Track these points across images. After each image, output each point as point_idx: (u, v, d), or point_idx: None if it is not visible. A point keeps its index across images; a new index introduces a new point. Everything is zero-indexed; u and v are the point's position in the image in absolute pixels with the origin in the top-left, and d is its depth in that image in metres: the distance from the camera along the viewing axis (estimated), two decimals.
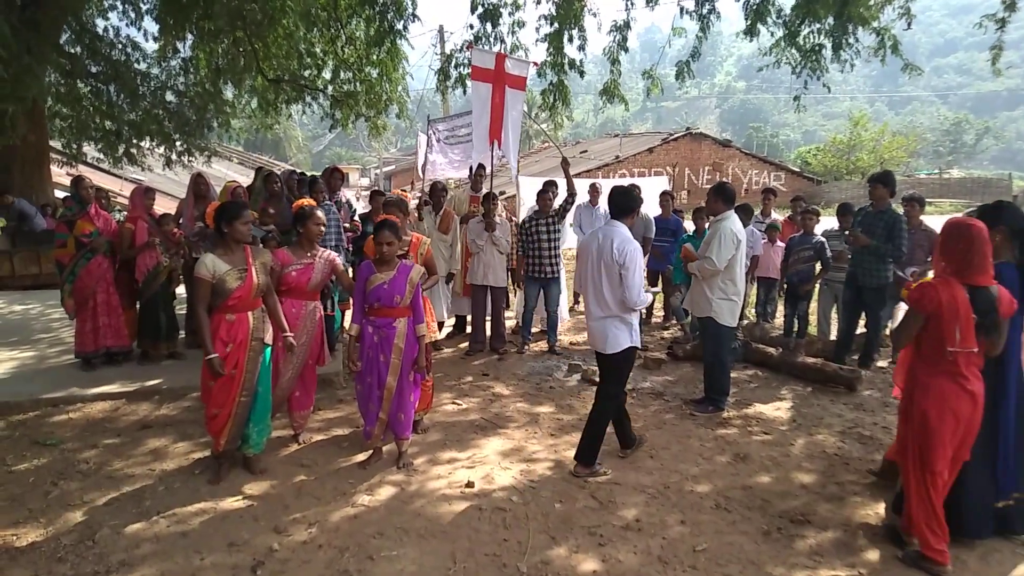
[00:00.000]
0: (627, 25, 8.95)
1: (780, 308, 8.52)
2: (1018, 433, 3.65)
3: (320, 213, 4.84)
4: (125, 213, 7.62)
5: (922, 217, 7.19)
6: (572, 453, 4.89)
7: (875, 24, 6.84)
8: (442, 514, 3.99)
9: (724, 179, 30.42)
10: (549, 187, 7.80)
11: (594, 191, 9.38)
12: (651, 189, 9.75)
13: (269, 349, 4.50)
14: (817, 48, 7.08)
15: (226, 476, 4.45)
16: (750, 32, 7.44)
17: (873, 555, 3.59)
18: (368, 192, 8.08)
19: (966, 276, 3.34)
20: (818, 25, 6.65)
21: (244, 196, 6.85)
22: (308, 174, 7.79)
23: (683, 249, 5.56)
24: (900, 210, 6.85)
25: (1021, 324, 3.59)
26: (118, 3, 12.60)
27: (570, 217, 8.82)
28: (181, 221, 7.18)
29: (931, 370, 3.41)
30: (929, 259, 6.78)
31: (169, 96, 13.63)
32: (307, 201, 5.01)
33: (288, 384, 4.88)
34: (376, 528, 3.82)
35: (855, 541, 3.72)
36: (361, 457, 4.79)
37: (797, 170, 34.34)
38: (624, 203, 4.58)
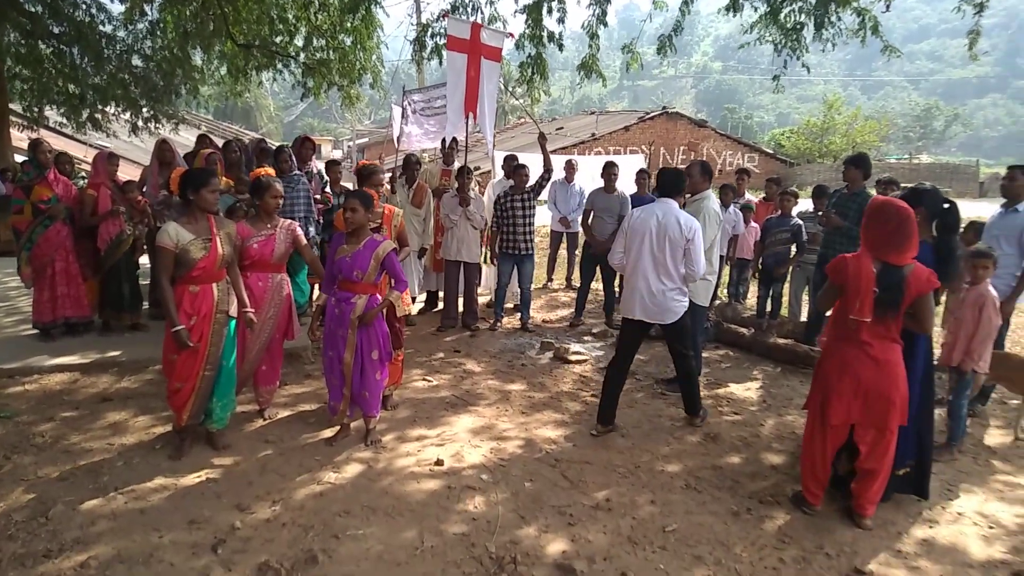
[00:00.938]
0: None
1: (752, 289, 8.56)
2: (920, 406, 3.86)
3: (278, 185, 4.69)
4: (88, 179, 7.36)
5: None
6: (542, 431, 4.87)
7: (856, 4, 6.78)
8: (410, 492, 3.92)
9: (700, 158, 30.59)
10: (514, 162, 7.74)
11: (570, 168, 9.28)
12: (627, 167, 9.65)
13: (234, 322, 4.37)
14: (798, 27, 7.01)
15: (188, 452, 4.33)
16: (732, 8, 7.34)
17: (842, 535, 3.60)
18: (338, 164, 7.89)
19: (882, 253, 3.47)
20: (800, 3, 6.57)
21: (219, 163, 6.65)
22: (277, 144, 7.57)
23: None
24: (874, 192, 6.86)
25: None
26: None
27: (545, 194, 8.73)
28: (145, 189, 6.96)
29: (839, 334, 3.64)
30: None
31: (136, 60, 13.19)
32: (266, 171, 4.85)
33: (254, 358, 4.76)
34: (342, 506, 3.74)
35: (823, 522, 3.72)
36: (328, 433, 4.69)
37: (771, 152, 34.53)
38: (677, 182, 4.88)
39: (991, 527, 3.75)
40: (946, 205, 4.00)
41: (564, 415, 5.22)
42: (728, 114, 75.73)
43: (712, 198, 5.47)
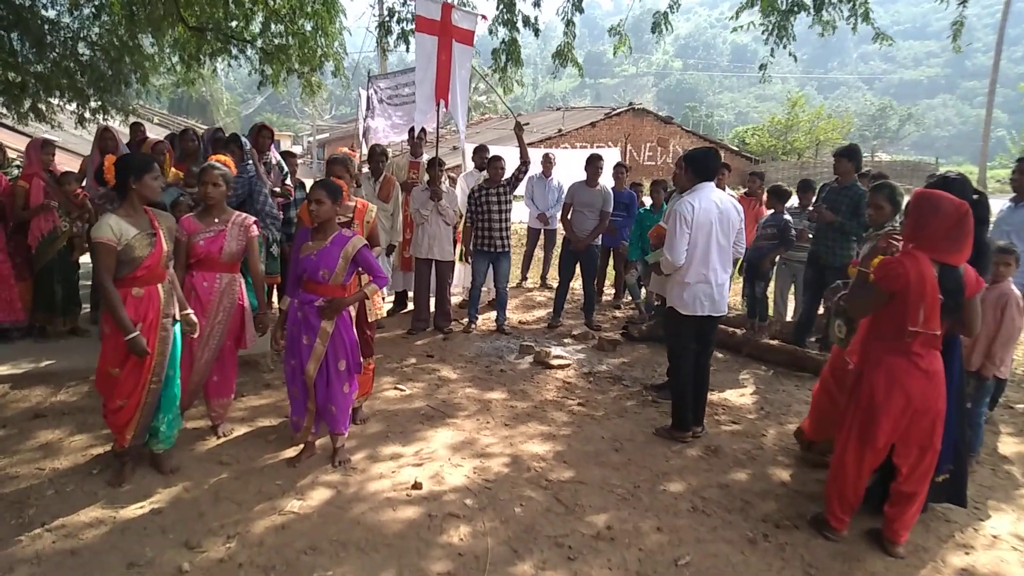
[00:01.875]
0: None
1: (735, 287, 8.25)
2: (956, 408, 3.53)
3: (216, 171, 4.14)
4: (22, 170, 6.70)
5: None
6: (528, 445, 4.44)
7: None
8: (385, 522, 3.45)
9: (666, 156, 30.42)
10: (484, 153, 7.30)
11: (547, 162, 8.85)
12: (606, 161, 9.26)
13: (179, 326, 3.85)
14: (795, 8, 6.69)
15: (130, 477, 3.80)
16: None
17: (872, 565, 3.24)
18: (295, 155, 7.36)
19: (940, 253, 3.10)
20: None
21: (167, 153, 6.08)
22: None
23: (655, 229, 5.05)
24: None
25: None
26: None
27: (521, 189, 8.30)
28: (85, 181, 6.34)
29: (886, 347, 3.23)
30: None
31: (82, 47, 12.39)
32: (220, 158, 4.31)
33: (203, 368, 4.23)
34: (308, 541, 3.26)
35: (850, 549, 3.36)
36: (290, 453, 4.19)
37: (736, 149, 34.58)
38: (713, 163, 4.58)
39: None
40: (975, 196, 3.67)
41: (550, 427, 4.79)
42: (689, 112, 76.11)
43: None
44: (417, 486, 3.81)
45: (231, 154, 5.97)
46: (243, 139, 6.11)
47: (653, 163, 29.51)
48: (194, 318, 3.91)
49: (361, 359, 4.14)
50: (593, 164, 7.28)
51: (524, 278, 9.66)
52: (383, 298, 5.87)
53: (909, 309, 3.09)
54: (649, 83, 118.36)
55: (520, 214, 9.50)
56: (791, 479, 4.11)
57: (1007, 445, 4.73)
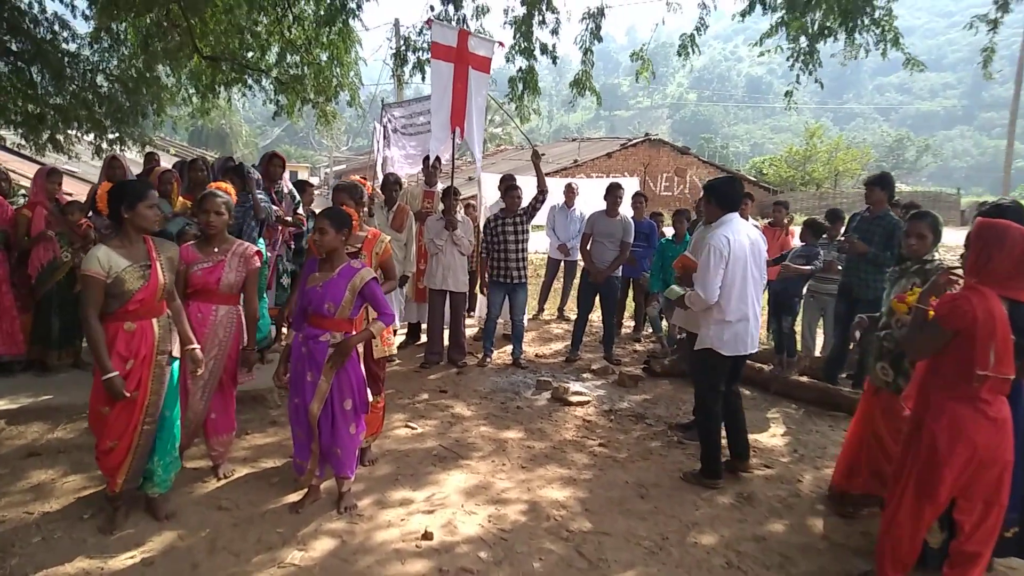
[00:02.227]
0: (600, 13, 8.25)
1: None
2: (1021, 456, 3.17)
3: (219, 198, 3.94)
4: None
5: None
6: (547, 491, 4.15)
7: (880, 9, 6.27)
8: None
9: (683, 186, 30.26)
10: (511, 182, 7.07)
11: (570, 191, 8.62)
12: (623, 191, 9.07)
13: (177, 364, 3.63)
14: (825, 31, 6.48)
15: (122, 524, 3.55)
16: (748, 11, 6.78)
17: None
18: (314, 185, 7.21)
19: (1010, 288, 2.83)
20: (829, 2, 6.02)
21: (175, 182, 5.93)
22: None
23: (680, 259, 4.76)
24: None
25: None
26: None
27: (541, 218, 8.10)
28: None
29: (948, 393, 2.93)
30: None
31: (100, 79, 12.47)
32: (220, 185, 4.11)
33: (201, 406, 3.99)
34: None
35: None
36: (294, 497, 3.94)
37: (754, 179, 34.37)
38: (738, 193, 4.33)
39: None
40: None
41: (570, 469, 4.50)
42: (704, 143, 76.19)
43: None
44: (428, 536, 3.53)
45: (231, 183, 5.85)
46: (249, 168, 5.95)
47: (670, 193, 29.34)
48: (199, 354, 3.68)
49: (369, 397, 3.89)
50: (613, 193, 7.06)
51: (541, 309, 9.41)
52: (395, 331, 5.64)
53: (977, 350, 2.81)
54: (664, 115, 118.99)
55: (540, 244, 9.28)
56: (833, 531, 3.79)
57: None
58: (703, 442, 4.40)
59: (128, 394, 3.34)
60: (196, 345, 3.67)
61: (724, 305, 4.10)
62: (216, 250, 3.95)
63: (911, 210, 6.81)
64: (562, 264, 9.02)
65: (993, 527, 2.97)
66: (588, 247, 7.12)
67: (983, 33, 7.61)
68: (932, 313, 2.94)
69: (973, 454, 2.88)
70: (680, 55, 7.30)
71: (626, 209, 8.27)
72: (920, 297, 3.22)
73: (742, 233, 4.17)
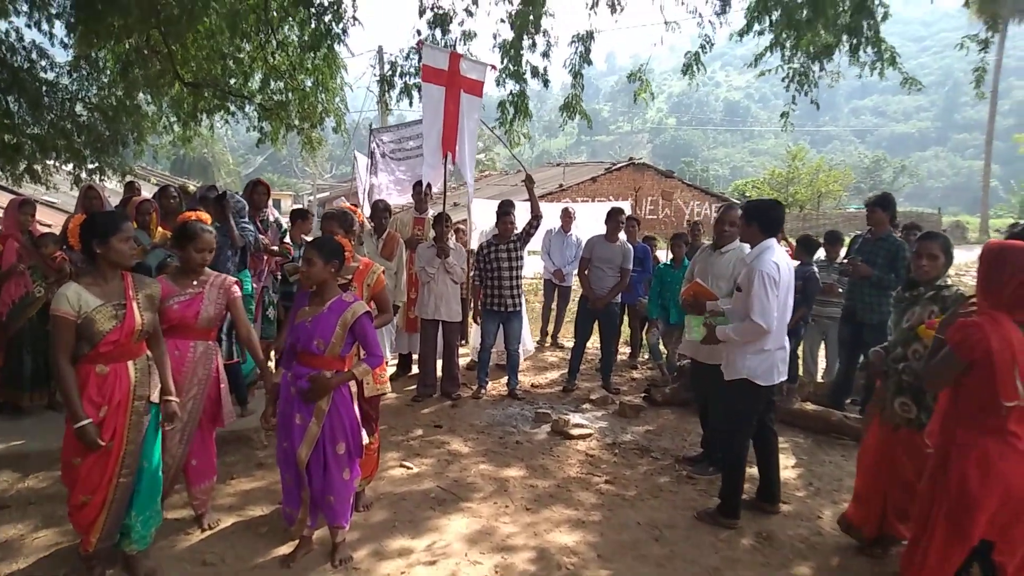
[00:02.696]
0: (590, 36, 8.14)
1: None
2: None
3: (209, 235, 3.71)
4: None
5: None
6: (555, 535, 3.90)
7: (873, 27, 6.17)
8: None
9: (667, 208, 30.29)
10: (508, 208, 6.88)
11: (566, 216, 8.40)
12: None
13: (157, 410, 3.35)
14: (827, 48, 6.39)
15: None
16: (745, 31, 6.68)
17: None
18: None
19: (1020, 312, 2.68)
20: (832, 18, 5.92)
21: (154, 212, 5.67)
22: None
23: (691, 288, 4.53)
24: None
25: None
26: (22, 4, 11.17)
27: (536, 243, 7.91)
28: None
29: (973, 426, 2.78)
30: None
31: (79, 108, 12.21)
32: (198, 215, 3.87)
33: (180, 450, 3.69)
34: None
35: None
36: (285, 549, 3.65)
37: (737, 202, 34.53)
38: (780, 217, 4.16)
39: None
40: None
41: (578, 510, 4.25)
42: (685, 167, 76.77)
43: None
44: None
45: (208, 211, 5.66)
46: (232, 194, 5.69)
47: (655, 216, 29.30)
48: (175, 408, 3.39)
49: (364, 439, 3.63)
50: (614, 218, 6.85)
51: (545, 333, 9.14)
52: (386, 362, 5.38)
53: (999, 380, 2.64)
54: (644, 139, 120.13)
55: (535, 267, 9.05)
56: (861, 573, 3.56)
57: None
58: (726, 478, 4.17)
59: (103, 443, 3.07)
60: (175, 398, 3.39)
61: (768, 334, 3.89)
62: (195, 283, 3.69)
63: (912, 231, 6.73)
64: (556, 290, 8.81)
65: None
66: (587, 272, 6.92)
67: (973, 53, 7.56)
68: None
69: (1007, 492, 2.71)
70: (685, 74, 7.18)
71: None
72: (940, 327, 3.03)
73: (783, 258, 4.00)
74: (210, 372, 3.76)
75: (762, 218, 4.02)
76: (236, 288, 3.83)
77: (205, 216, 3.92)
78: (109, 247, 3.08)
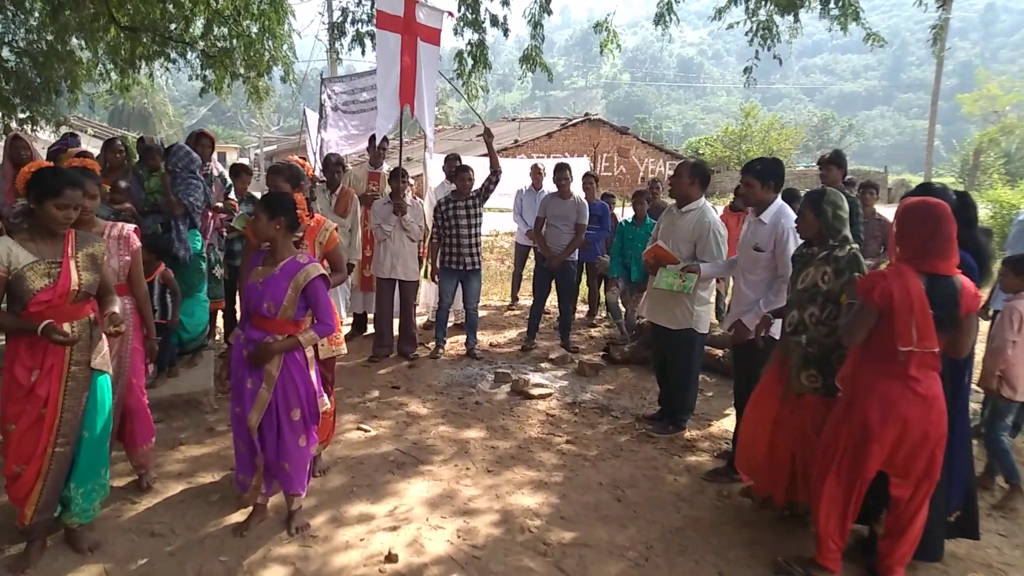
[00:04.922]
0: None
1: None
2: (962, 440, 3.32)
3: (92, 181, 3.44)
4: None
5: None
6: (518, 497, 3.87)
7: None
8: None
9: (623, 165, 30.27)
10: (457, 163, 6.73)
11: (536, 173, 8.07)
12: (573, 171, 8.73)
13: (103, 378, 3.15)
14: (797, 3, 6.30)
15: (36, 560, 3.08)
16: None
17: None
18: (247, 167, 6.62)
19: (924, 263, 2.86)
20: None
21: (94, 170, 5.33)
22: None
23: (653, 249, 4.56)
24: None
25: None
26: None
27: (506, 201, 7.76)
28: None
29: (879, 370, 2.95)
30: (883, 250, 6.31)
31: (6, 53, 11.46)
32: (82, 160, 3.71)
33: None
34: None
35: None
36: (238, 517, 3.52)
37: (691, 157, 34.65)
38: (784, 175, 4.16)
39: None
40: (957, 196, 3.46)
41: (540, 471, 4.21)
42: (639, 123, 76.64)
43: (710, 207, 4.66)
44: (392, 558, 3.18)
45: (114, 155, 5.44)
46: (182, 149, 5.38)
47: (610, 173, 29.26)
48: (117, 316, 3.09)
49: (323, 406, 3.50)
50: (561, 173, 6.75)
51: (515, 299, 9.02)
52: (341, 321, 5.20)
53: (896, 326, 2.83)
54: (598, 95, 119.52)
55: (503, 226, 8.85)
56: None
57: None
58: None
59: (66, 336, 2.89)
60: (108, 365, 3.19)
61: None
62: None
63: (870, 189, 6.79)
64: (531, 250, 8.59)
65: (923, 502, 3.00)
66: (543, 231, 6.81)
67: (930, 10, 7.58)
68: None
69: (905, 429, 2.90)
70: (656, 24, 7.02)
71: (576, 190, 7.99)
72: (847, 291, 3.22)
73: None
74: (130, 326, 3.59)
75: (776, 177, 4.03)
76: (134, 237, 3.62)
77: (90, 162, 3.74)
78: (43, 209, 2.87)
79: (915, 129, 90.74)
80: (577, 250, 7.07)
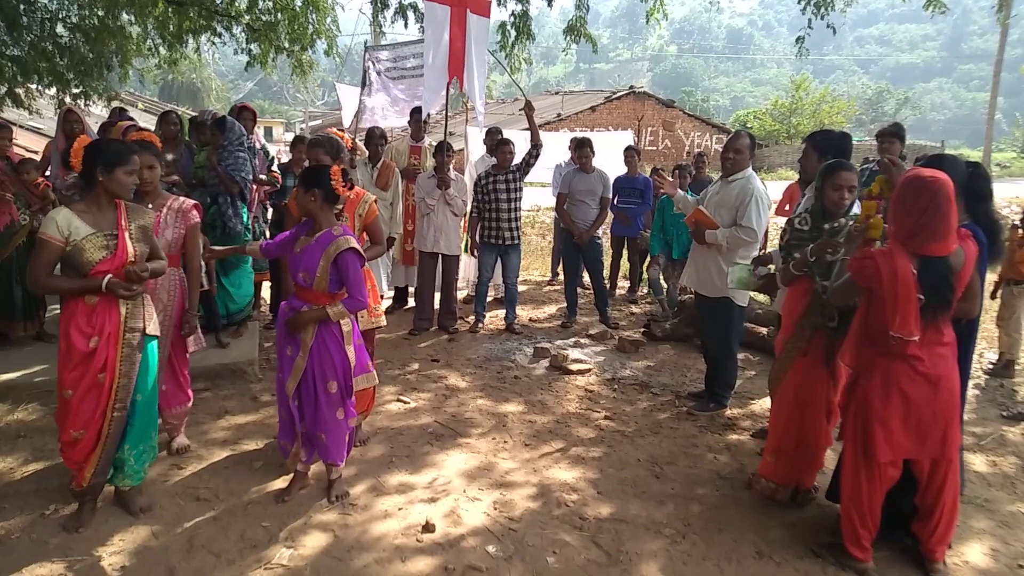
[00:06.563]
0: None
1: None
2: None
3: (152, 153, 3.59)
4: None
5: None
6: (555, 471, 3.86)
7: None
8: None
9: (668, 140, 29.74)
10: (498, 136, 6.67)
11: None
12: (615, 145, 8.61)
13: (153, 343, 3.25)
14: None
15: (90, 520, 3.20)
16: None
17: None
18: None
19: (917, 243, 2.70)
20: None
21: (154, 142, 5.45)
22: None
23: (695, 213, 4.52)
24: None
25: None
26: None
27: (544, 175, 7.68)
28: (49, 170, 5.72)
29: (878, 348, 2.85)
30: None
31: (60, 29, 11.73)
32: (145, 135, 3.79)
33: None
34: None
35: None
36: (280, 483, 3.60)
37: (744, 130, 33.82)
38: (851, 149, 3.98)
39: None
40: (971, 168, 3.26)
41: (577, 446, 4.21)
42: (685, 96, 75.18)
43: (755, 176, 4.56)
44: (429, 528, 3.22)
45: (169, 126, 5.58)
46: (234, 123, 5.46)
47: (655, 148, 28.80)
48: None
49: (367, 382, 3.54)
50: (582, 149, 6.66)
51: (555, 274, 8.98)
52: (381, 296, 5.24)
53: (885, 310, 2.72)
54: (644, 68, 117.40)
55: (548, 201, 8.74)
56: None
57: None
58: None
59: (132, 290, 3.04)
60: (156, 330, 3.29)
61: None
62: (150, 206, 3.51)
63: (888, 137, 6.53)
64: None
65: (945, 480, 2.90)
66: (566, 207, 6.75)
67: None
68: None
69: (907, 413, 2.80)
70: None
71: (618, 164, 7.87)
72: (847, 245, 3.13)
73: None
74: (174, 297, 3.70)
75: (833, 152, 3.86)
76: (195, 212, 3.74)
77: (152, 136, 3.87)
78: (112, 178, 2.99)
79: (975, 102, 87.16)
80: (617, 224, 6.97)
